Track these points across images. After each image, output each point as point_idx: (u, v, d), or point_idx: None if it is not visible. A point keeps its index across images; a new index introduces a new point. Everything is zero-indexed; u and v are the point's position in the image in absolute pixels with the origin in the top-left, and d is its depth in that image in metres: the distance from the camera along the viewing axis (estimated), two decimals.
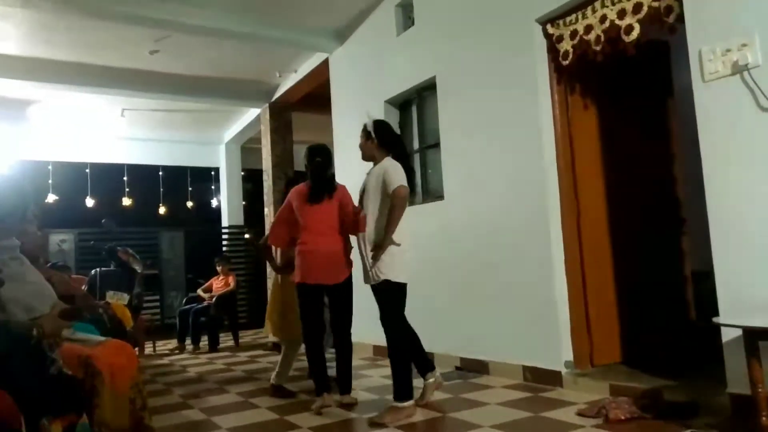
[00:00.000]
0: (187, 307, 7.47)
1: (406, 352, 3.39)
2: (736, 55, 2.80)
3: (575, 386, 3.66)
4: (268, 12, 5.75)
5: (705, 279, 3.26)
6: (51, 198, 9.21)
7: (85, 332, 2.79)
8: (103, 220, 7.74)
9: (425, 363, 3.56)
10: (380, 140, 3.51)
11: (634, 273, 4.05)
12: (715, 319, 2.72)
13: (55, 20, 5.54)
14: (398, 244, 3.30)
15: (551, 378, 3.81)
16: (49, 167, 9.26)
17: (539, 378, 3.89)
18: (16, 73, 6.57)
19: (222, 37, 6.04)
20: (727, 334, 2.83)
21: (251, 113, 8.92)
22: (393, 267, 3.32)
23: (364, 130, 3.56)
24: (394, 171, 3.35)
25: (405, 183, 3.32)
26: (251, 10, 5.68)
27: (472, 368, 4.42)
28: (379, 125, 3.58)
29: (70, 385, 2.15)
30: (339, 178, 6.27)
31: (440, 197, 4.92)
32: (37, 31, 5.80)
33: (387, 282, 3.32)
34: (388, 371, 4.68)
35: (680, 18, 3.11)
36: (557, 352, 3.81)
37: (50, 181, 9.26)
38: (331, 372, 3.82)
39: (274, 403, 3.89)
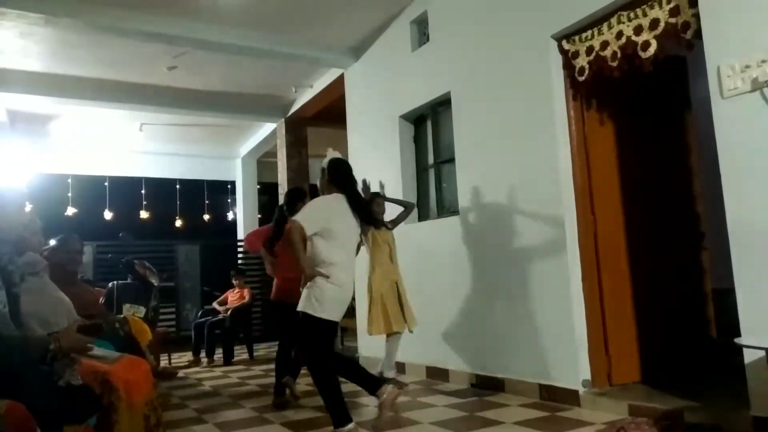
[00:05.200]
0: (202, 319, 7.50)
1: (328, 380, 3.23)
2: (756, 71, 2.77)
3: (593, 406, 3.60)
4: (285, 28, 5.82)
5: (726, 296, 3.20)
6: (70, 211, 9.35)
7: (101, 348, 2.81)
8: (120, 233, 7.86)
9: (371, 383, 3.35)
10: (330, 178, 3.51)
11: (652, 290, 3.99)
12: (737, 340, 2.66)
13: (76, 38, 5.66)
14: (326, 276, 3.24)
15: (568, 397, 3.75)
16: (69, 180, 9.42)
17: (556, 397, 3.83)
18: (37, 89, 6.71)
19: (239, 54, 6.12)
20: (750, 355, 2.77)
21: (267, 128, 9.01)
22: (311, 301, 3.25)
23: (321, 169, 3.57)
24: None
25: (300, 218, 3.28)
26: (268, 27, 5.75)
27: (488, 386, 4.38)
28: (333, 164, 3.56)
29: (82, 395, 2.16)
30: None
31: (455, 212, 4.91)
32: (58, 49, 5.93)
33: (303, 314, 3.27)
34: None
35: (698, 34, 3.08)
36: (574, 370, 3.76)
37: (69, 194, 9.41)
38: None
39: (288, 418, 3.88)
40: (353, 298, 6.51)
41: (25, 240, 2.43)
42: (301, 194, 4.57)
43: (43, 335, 2.21)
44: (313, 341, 3.30)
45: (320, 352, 3.30)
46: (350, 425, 3.15)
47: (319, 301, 3.25)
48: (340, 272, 3.30)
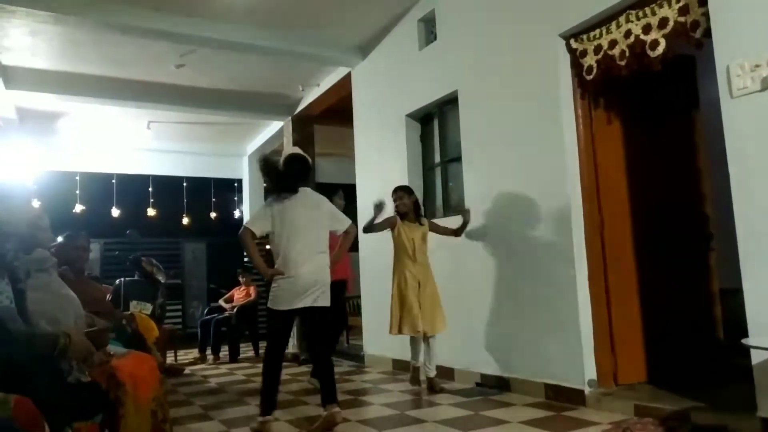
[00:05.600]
0: (208, 317, 7.54)
1: (268, 369, 3.58)
2: (766, 70, 2.75)
3: (598, 405, 3.59)
4: (292, 27, 5.82)
5: (733, 297, 3.18)
6: (78, 208, 9.40)
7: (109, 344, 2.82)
8: (127, 231, 7.89)
9: (326, 393, 3.54)
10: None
11: (659, 290, 3.97)
12: (744, 340, 2.65)
13: (85, 36, 5.68)
14: (281, 272, 3.56)
15: (574, 396, 3.74)
16: (77, 178, 9.45)
17: (562, 396, 3.82)
18: (46, 87, 6.74)
19: (246, 52, 6.12)
20: (758, 356, 2.76)
21: (274, 126, 9.01)
22: (270, 296, 3.65)
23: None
24: None
25: (248, 223, 3.71)
26: (275, 26, 5.76)
27: (493, 385, 4.37)
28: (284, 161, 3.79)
29: (91, 391, 2.18)
30: (360, 191, 6.34)
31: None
32: (67, 47, 5.95)
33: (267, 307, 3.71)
34: (406, 386, 4.68)
35: (707, 33, 3.07)
36: (580, 370, 3.74)
37: (77, 192, 9.45)
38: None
39: (293, 416, 3.89)
40: (358, 296, 6.55)
41: (35, 237, 2.44)
42: (334, 190, 5.00)
43: (52, 331, 2.22)
44: (270, 331, 3.77)
45: (272, 342, 3.64)
46: (265, 417, 3.47)
47: (274, 294, 3.61)
48: (293, 266, 3.55)
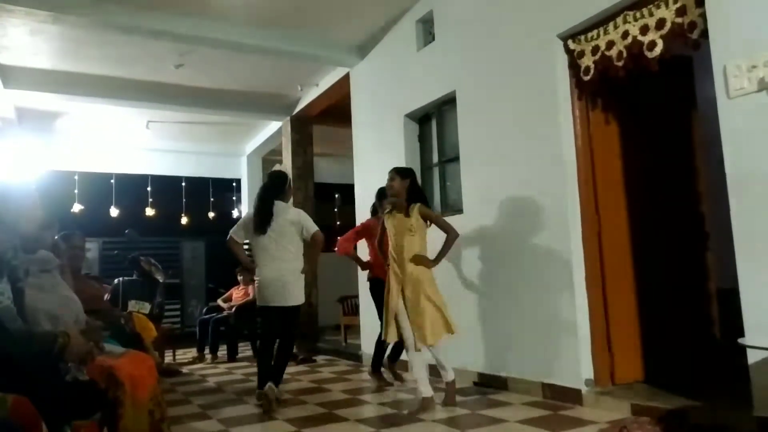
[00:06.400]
0: (207, 316, 7.53)
1: (260, 352, 4.33)
2: (762, 71, 2.76)
3: (595, 405, 3.60)
4: (291, 27, 5.83)
5: (730, 296, 3.19)
6: (77, 207, 9.40)
7: (107, 343, 2.83)
8: (126, 230, 7.90)
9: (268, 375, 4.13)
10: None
11: (656, 290, 3.98)
12: (740, 340, 2.65)
13: (84, 35, 5.68)
14: (253, 270, 4.33)
15: (571, 396, 3.75)
16: (76, 177, 9.45)
17: (559, 395, 3.83)
18: (46, 86, 6.75)
19: (245, 52, 6.13)
20: (754, 356, 2.76)
21: (273, 126, 9.02)
22: None
23: None
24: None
25: (232, 231, 4.37)
26: (274, 26, 5.77)
27: (491, 384, 4.38)
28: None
29: (88, 390, 2.19)
30: (358, 191, 6.35)
31: (459, 211, 4.91)
32: (66, 46, 5.95)
33: None
34: (404, 385, 4.68)
35: (704, 34, 3.08)
36: (577, 369, 3.76)
37: (76, 191, 9.45)
38: None
39: (292, 415, 3.89)
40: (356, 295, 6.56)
41: (40, 237, 2.46)
42: (383, 193, 4.88)
43: (50, 330, 2.22)
44: (260, 322, 4.50)
45: (262, 330, 4.41)
46: (263, 388, 3.97)
47: (256, 293, 4.36)
48: (261, 270, 4.21)
